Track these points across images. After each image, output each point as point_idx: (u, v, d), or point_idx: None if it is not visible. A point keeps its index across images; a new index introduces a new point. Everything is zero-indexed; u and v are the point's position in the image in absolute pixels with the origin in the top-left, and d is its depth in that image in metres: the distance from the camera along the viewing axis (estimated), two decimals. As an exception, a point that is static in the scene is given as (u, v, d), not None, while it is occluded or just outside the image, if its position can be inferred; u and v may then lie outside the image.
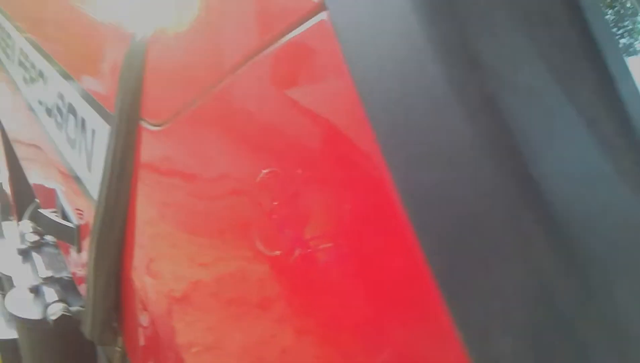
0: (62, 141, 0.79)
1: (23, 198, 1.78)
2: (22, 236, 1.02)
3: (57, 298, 0.85)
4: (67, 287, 0.89)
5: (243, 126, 0.38)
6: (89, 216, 0.69)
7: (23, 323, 0.86)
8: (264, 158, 0.35)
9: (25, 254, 0.97)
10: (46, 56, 0.84)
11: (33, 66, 0.90)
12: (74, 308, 0.84)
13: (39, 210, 0.77)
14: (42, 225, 0.77)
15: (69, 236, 0.75)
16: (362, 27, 0.26)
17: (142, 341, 0.59)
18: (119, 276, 0.62)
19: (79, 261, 0.76)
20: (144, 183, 0.54)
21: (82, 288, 0.77)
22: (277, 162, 0.34)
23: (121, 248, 0.59)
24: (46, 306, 0.85)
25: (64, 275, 0.90)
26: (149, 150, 0.52)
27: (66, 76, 0.75)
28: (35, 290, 0.88)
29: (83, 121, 0.69)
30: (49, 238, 1.01)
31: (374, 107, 0.25)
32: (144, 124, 0.51)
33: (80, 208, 0.74)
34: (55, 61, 0.80)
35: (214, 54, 0.42)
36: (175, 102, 0.46)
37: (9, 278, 0.95)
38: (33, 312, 0.85)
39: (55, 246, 1.00)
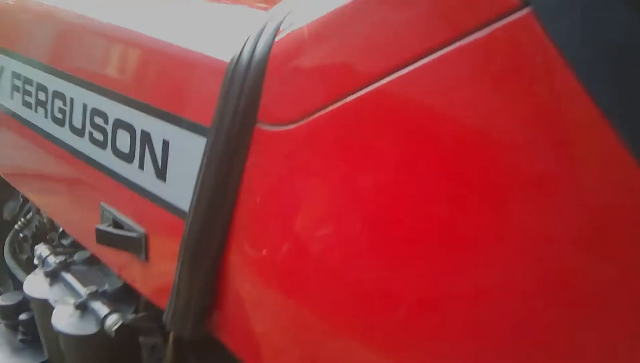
0: (107, 158, 0.82)
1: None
2: (44, 260, 1.02)
3: (109, 310, 0.88)
4: (113, 299, 0.91)
5: (421, 122, 0.44)
6: (163, 221, 0.74)
7: (77, 340, 0.87)
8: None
9: (54, 275, 0.98)
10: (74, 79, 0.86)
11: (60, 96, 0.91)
12: (129, 317, 0.88)
13: (98, 226, 0.80)
14: (101, 238, 0.79)
15: (133, 245, 0.78)
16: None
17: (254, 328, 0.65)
18: (214, 273, 0.67)
19: (143, 267, 0.80)
20: (257, 185, 0.60)
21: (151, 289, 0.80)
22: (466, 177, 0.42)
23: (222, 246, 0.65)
24: (99, 319, 0.87)
25: (107, 288, 0.93)
26: (269, 152, 0.58)
27: (116, 97, 0.78)
28: (83, 306, 0.89)
29: (146, 134, 0.74)
30: (76, 257, 1.02)
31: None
32: (262, 127, 0.57)
33: (144, 216, 0.77)
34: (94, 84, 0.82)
35: (377, 48, 0.46)
36: (313, 101, 0.52)
37: (43, 302, 0.95)
38: (86, 328, 0.87)
39: (85, 262, 1.01)
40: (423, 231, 0.46)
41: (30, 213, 1.49)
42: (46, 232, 1.43)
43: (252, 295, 0.65)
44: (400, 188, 0.47)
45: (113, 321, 0.85)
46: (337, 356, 0.56)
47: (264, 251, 0.62)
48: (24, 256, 1.51)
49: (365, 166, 0.49)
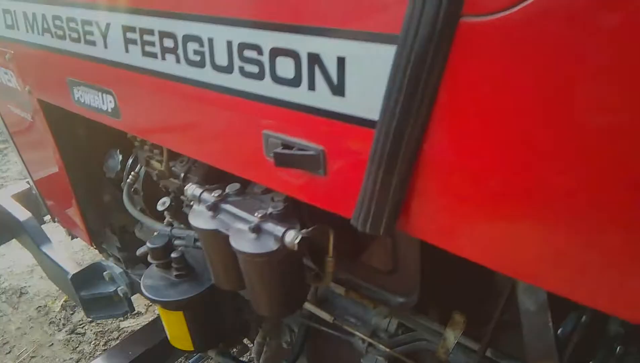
0: (266, 87, 0.86)
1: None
2: (199, 197, 1.09)
3: (285, 227, 0.96)
4: (280, 219, 0.99)
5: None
6: (343, 134, 0.80)
7: (260, 258, 0.96)
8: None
9: (215, 208, 1.06)
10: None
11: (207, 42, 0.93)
12: (304, 231, 0.96)
13: (276, 150, 0.86)
14: (280, 161, 0.85)
15: (312, 163, 0.84)
16: None
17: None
18: (409, 174, 0.73)
19: (322, 182, 0.86)
20: (461, 81, 0.64)
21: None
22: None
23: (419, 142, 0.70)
24: (277, 237, 0.95)
25: (272, 211, 1.00)
26: (477, 45, 0.61)
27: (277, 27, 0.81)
28: (257, 228, 0.97)
29: (314, 56, 0.77)
30: (228, 189, 1.09)
31: None
32: (468, 19, 0.60)
33: (319, 133, 0.83)
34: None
35: None
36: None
37: (212, 232, 1.03)
38: (266, 246, 0.96)
39: (237, 193, 1.08)
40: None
41: (139, 167, 1.56)
42: (158, 182, 1.51)
43: (453, 189, 0.71)
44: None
45: (293, 236, 0.93)
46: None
47: (466, 145, 0.67)
48: (137, 207, 1.61)
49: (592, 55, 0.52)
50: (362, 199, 0.78)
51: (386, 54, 0.69)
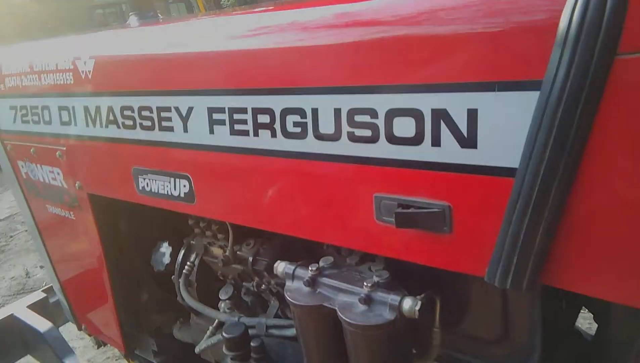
0: (380, 150, 0.87)
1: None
2: (292, 273, 1.05)
3: (400, 295, 0.92)
4: (391, 287, 0.95)
5: None
6: (473, 186, 0.79)
7: (374, 330, 0.91)
8: None
9: (312, 283, 1.02)
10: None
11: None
12: (419, 297, 0.92)
13: (397, 211, 0.84)
14: (402, 222, 0.84)
15: (435, 221, 0.83)
16: None
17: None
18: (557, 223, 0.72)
19: (445, 239, 0.84)
20: (620, 119, 0.65)
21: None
22: None
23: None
24: (393, 306, 0.91)
25: (378, 279, 0.97)
26: (636, 82, 0.63)
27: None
28: (368, 299, 0.93)
29: (439, 111, 0.79)
30: (322, 262, 1.06)
31: None
32: (626, 56, 0.63)
33: (443, 188, 0.82)
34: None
35: None
36: None
37: (315, 308, 0.98)
38: (381, 317, 0.91)
39: (332, 266, 1.05)
40: None
41: (194, 257, 1.52)
42: (215, 271, 1.47)
43: (618, 237, 0.69)
44: None
45: (411, 303, 0.89)
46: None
47: (625, 184, 0.67)
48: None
49: None
50: (500, 252, 0.76)
51: (526, 100, 0.70)
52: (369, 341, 0.93)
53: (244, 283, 1.44)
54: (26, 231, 5.83)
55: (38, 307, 2.56)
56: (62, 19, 9.92)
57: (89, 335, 2.24)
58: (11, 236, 5.63)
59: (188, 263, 1.53)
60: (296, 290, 1.02)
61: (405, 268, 0.97)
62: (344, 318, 0.92)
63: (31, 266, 4.81)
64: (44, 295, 2.57)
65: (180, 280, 1.53)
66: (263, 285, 1.36)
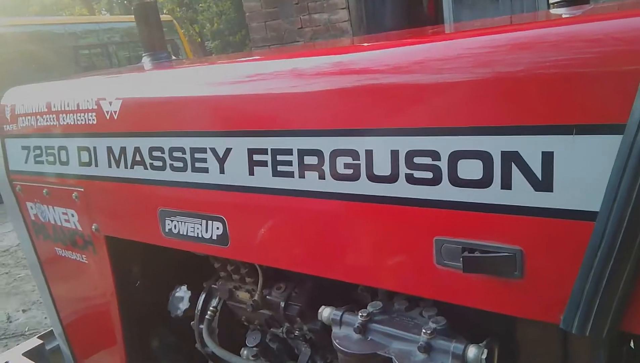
0: (441, 192, 0.85)
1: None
2: (340, 319, 1.01)
3: (463, 343, 0.88)
4: (449, 334, 0.92)
5: None
6: (547, 230, 0.77)
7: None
8: None
9: (364, 329, 0.97)
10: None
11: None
12: (483, 344, 0.88)
13: (465, 255, 0.82)
14: (470, 266, 0.81)
15: (506, 265, 0.80)
16: None
17: None
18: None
19: (516, 285, 0.81)
20: None
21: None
22: None
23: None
24: (457, 355, 0.87)
25: (434, 326, 0.93)
26: None
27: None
28: (428, 347, 0.89)
29: (510, 153, 0.78)
30: (371, 307, 1.02)
31: None
32: None
33: (515, 232, 0.80)
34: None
35: None
36: None
37: (367, 356, 0.94)
38: (443, 364, 0.87)
39: (382, 312, 1.01)
40: None
41: (217, 302, 1.47)
42: (239, 316, 1.41)
43: None
44: None
45: (476, 352, 0.86)
46: None
47: None
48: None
49: None
50: (579, 298, 0.74)
51: (606, 144, 0.69)
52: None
53: (271, 329, 1.39)
54: (7, 273, 5.65)
55: (34, 354, 2.44)
56: (46, 60, 9.87)
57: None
58: (-10, 280, 5.45)
59: (211, 308, 1.47)
60: (345, 338, 0.98)
61: (459, 313, 0.94)
62: (401, 367, 0.88)
63: (12, 310, 4.64)
64: (40, 341, 2.47)
65: (202, 326, 1.46)
66: (296, 332, 1.30)
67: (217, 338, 1.49)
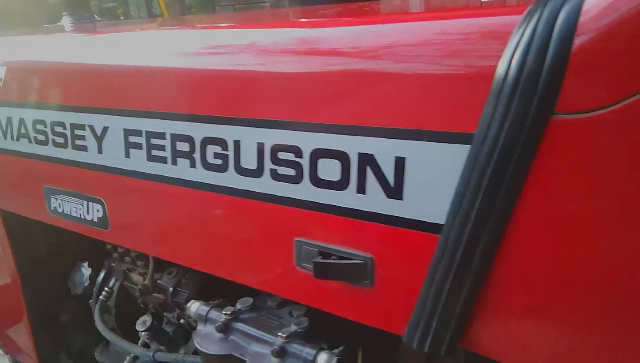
0: (302, 191, 0.80)
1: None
2: (205, 316, 0.97)
3: (316, 349, 0.85)
4: (305, 338, 0.88)
5: None
6: (397, 240, 0.73)
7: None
8: None
9: (226, 328, 0.93)
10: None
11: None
12: (336, 351, 0.85)
13: (316, 260, 0.77)
14: (321, 272, 0.77)
15: (357, 273, 0.76)
16: None
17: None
18: (481, 285, 0.67)
19: (367, 294, 0.78)
20: (550, 181, 0.60)
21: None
22: None
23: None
24: (307, 360, 0.84)
25: (296, 328, 0.89)
26: (570, 143, 0.58)
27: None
28: (282, 351, 0.86)
29: (366, 156, 0.73)
30: (240, 304, 0.98)
31: None
32: (561, 117, 0.58)
33: (367, 239, 0.76)
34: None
35: None
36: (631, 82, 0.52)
37: (226, 357, 0.90)
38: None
39: (251, 310, 0.97)
40: None
41: (113, 281, 1.42)
42: (134, 298, 1.36)
43: (539, 305, 0.65)
44: None
45: (326, 359, 0.82)
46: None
47: (551, 252, 0.62)
48: (109, 326, 1.43)
49: None
50: (420, 313, 0.71)
51: (457, 153, 0.65)
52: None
53: (165, 313, 1.34)
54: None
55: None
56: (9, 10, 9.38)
57: (6, 354, 2.07)
58: None
59: (106, 288, 1.41)
60: (206, 336, 0.93)
61: (328, 314, 0.90)
62: (252, 372, 0.84)
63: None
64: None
65: (97, 306, 1.41)
66: (182, 319, 1.26)
67: (115, 318, 1.43)
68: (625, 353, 0.61)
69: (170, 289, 1.23)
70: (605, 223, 0.58)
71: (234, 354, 0.89)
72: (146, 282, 1.27)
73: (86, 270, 1.53)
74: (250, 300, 0.98)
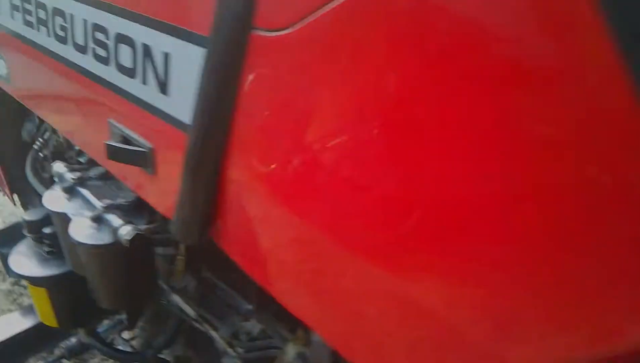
0: (112, 74, 0.82)
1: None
2: (61, 176, 1.06)
3: (123, 222, 0.92)
4: (127, 211, 0.96)
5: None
6: (168, 135, 0.76)
7: (95, 249, 0.92)
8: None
9: (71, 191, 1.02)
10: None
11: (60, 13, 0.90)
12: (142, 227, 0.92)
13: (107, 142, 0.82)
14: (111, 154, 0.82)
15: (142, 160, 0.81)
16: None
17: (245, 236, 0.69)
18: (215, 184, 0.69)
19: (151, 180, 0.83)
20: (255, 95, 0.60)
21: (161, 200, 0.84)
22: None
23: (220, 155, 0.66)
24: (114, 230, 0.92)
25: (121, 201, 0.97)
26: (267, 58, 0.58)
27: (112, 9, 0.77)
28: (98, 218, 0.94)
29: (147, 47, 0.74)
30: (91, 172, 1.06)
31: None
32: (259, 33, 0.57)
33: (150, 130, 0.79)
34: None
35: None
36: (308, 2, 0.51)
37: (62, 215, 0.99)
38: (102, 238, 0.92)
39: (100, 178, 1.05)
40: (427, 131, 0.46)
41: (47, 133, 1.52)
42: (64, 151, 1.47)
43: (254, 208, 0.67)
44: (402, 87, 0.47)
45: (127, 231, 0.90)
46: (341, 270, 0.59)
47: (264, 163, 0.63)
48: (46, 175, 1.57)
49: (368, 67, 0.49)
50: (178, 205, 0.75)
51: (201, 56, 0.65)
52: (91, 258, 0.95)
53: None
54: None
55: None
56: None
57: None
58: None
59: (40, 139, 1.53)
60: (54, 194, 1.03)
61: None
62: (68, 231, 0.94)
63: None
64: None
65: (29, 155, 1.54)
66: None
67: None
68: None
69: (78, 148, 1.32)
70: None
71: (67, 213, 0.98)
72: (61, 140, 1.37)
73: (35, 120, 1.65)
74: (102, 169, 1.06)
